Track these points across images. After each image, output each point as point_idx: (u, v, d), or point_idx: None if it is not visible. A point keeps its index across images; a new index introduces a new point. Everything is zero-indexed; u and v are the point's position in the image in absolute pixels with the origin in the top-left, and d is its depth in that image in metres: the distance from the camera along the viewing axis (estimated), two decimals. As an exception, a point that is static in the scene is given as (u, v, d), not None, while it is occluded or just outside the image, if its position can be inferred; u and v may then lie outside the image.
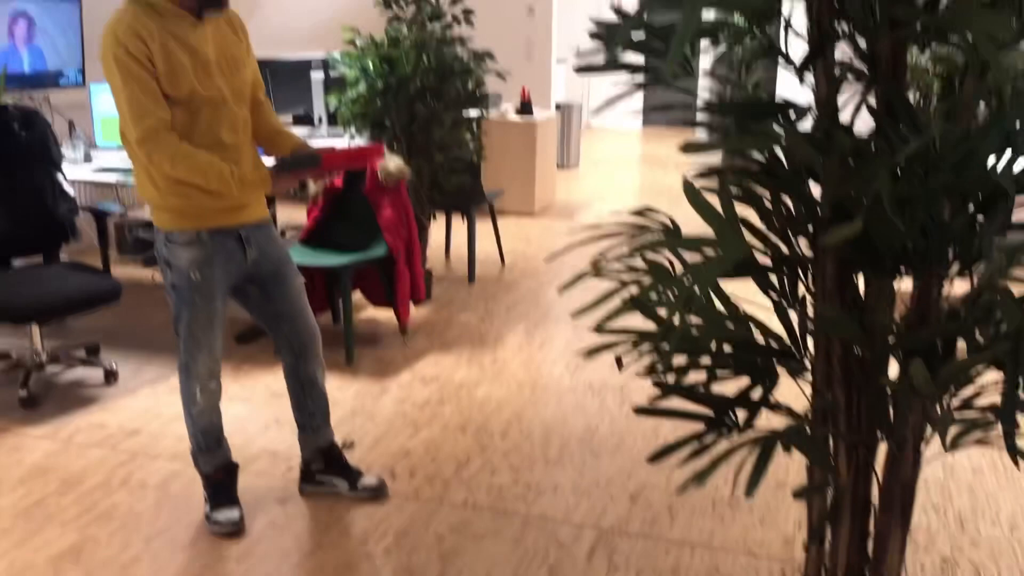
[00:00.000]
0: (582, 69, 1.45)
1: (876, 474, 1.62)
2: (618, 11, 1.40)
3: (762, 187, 1.60)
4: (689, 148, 1.46)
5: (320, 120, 5.02)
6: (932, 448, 1.62)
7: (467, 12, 4.62)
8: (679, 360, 1.63)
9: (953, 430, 1.42)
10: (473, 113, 4.76)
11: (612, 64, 1.34)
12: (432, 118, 4.52)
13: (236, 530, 2.66)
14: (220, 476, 2.71)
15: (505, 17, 8.56)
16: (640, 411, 1.63)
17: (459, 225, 6.16)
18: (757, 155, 1.61)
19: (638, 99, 12.43)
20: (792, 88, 7.63)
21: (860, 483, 1.61)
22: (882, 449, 1.58)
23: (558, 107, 8.78)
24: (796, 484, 2.91)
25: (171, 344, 4.20)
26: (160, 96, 2.31)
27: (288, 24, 6.98)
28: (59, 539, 2.64)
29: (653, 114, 12.41)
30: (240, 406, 3.52)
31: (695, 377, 1.66)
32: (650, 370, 1.64)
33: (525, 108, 6.86)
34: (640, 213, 1.80)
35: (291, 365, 2.77)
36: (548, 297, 4.94)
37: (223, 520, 2.66)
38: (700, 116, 1.55)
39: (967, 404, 1.49)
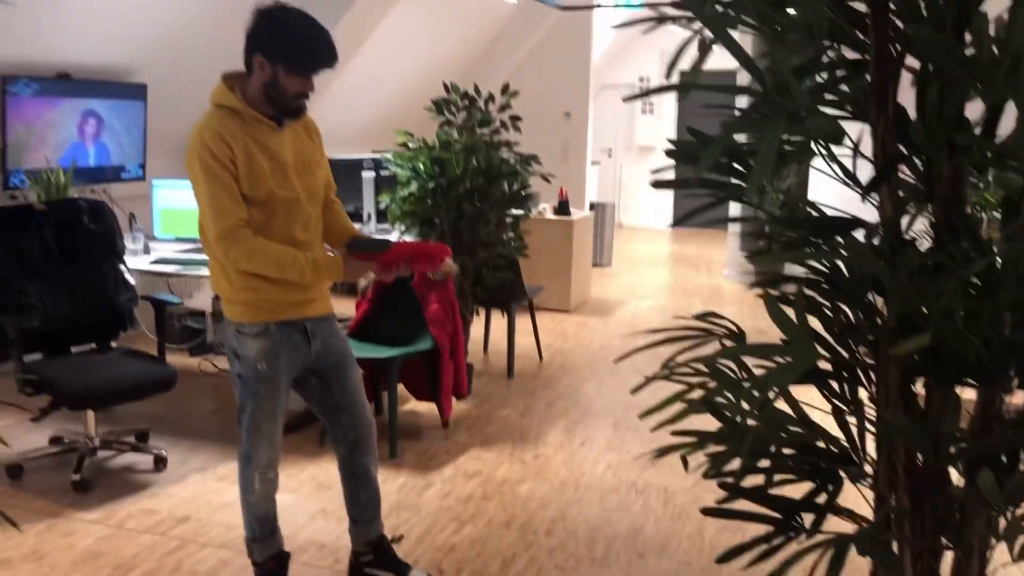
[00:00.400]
0: (660, 185, 1.55)
1: (942, 582, 1.64)
2: (695, 132, 1.51)
3: (824, 297, 1.68)
4: (760, 258, 1.55)
5: (369, 216, 5.19)
6: (998, 557, 1.63)
7: (515, 119, 4.82)
8: (741, 462, 1.68)
9: (1021, 539, 1.45)
10: (517, 212, 4.90)
11: (694, 182, 1.44)
12: (479, 217, 4.67)
13: (286, 621, 2.68)
14: (272, 565, 2.74)
15: (543, 121, 8.86)
16: (708, 512, 1.67)
17: (497, 320, 6.26)
18: (819, 266, 1.69)
19: (668, 200, 12.66)
20: (820, 193, 7.76)
21: (926, 590, 1.63)
22: (948, 557, 1.60)
23: (592, 207, 8.97)
24: (846, 591, 2.89)
25: (217, 433, 4.27)
26: (239, 197, 2.45)
27: (341, 125, 7.27)
28: (112, 625, 2.66)
29: (681, 215, 12.62)
30: (287, 496, 3.56)
31: (753, 480, 1.70)
32: (716, 472, 1.69)
33: (563, 208, 7.03)
34: (702, 318, 1.88)
35: (345, 456, 2.83)
36: (587, 393, 4.98)
37: None
38: (768, 229, 1.64)
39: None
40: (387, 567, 2.89)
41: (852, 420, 1.73)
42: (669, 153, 1.53)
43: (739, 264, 8.59)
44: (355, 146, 7.35)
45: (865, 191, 1.48)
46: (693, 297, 7.75)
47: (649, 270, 9.22)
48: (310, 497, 3.57)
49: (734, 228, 8.68)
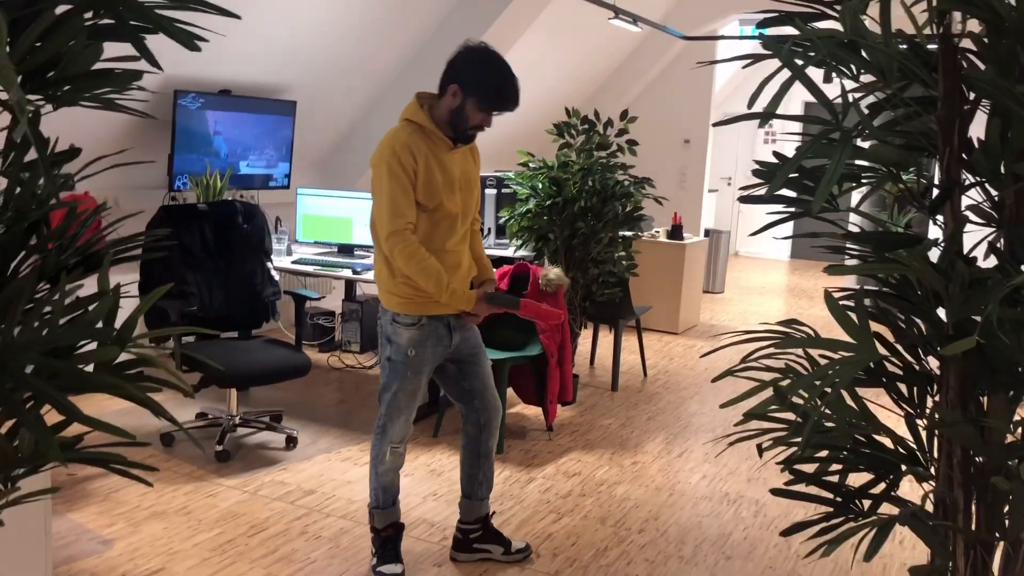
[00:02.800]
0: (745, 200, 1.79)
1: (992, 573, 1.79)
2: (778, 155, 1.74)
3: (896, 308, 1.87)
4: (832, 270, 1.76)
5: (489, 231, 5.53)
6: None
7: (631, 143, 5.08)
8: (802, 447, 1.88)
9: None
10: (628, 233, 5.14)
11: (771, 198, 1.67)
12: (591, 235, 4.93)
13: (398, 583, 3.00)
14: (390, 532, 3.06)
15: (663, 147, 9.07)
16: (776, 492, 1.88)
17: (605, 337, 6.49)
18: (892, 280, 1.88)
19: (788, 229, 12.59)
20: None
21: (977, 579, 1.78)
22: (999, 551, 1.76)
23: (707, 233, 9.10)
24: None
25: (342, 420, 4.67)
26: (414, 203, 2.82)
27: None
28: (248, 574, 3.03)
29: (801, 246, 12.52)
30: (403, 479, 3.90)
31: (819, 470, 1.90)
32: (787, 461, 1.89)
33: (675, 232, 7.21)
34: (785, 323, 2.09)
35: (473, 437, 3.15)
36: (689, 410, 5.16)
37: (388, 573, 3.00)
38: (846, 245, 1.84)
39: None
40: (493, 540, 3.18)
41: (921, 423, 1.91)
42: (756, 172, 1.77)
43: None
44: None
45: (931, 211, 1.67)
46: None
47: (761, 298, 9.26)
48: (423, 481, 3.89)
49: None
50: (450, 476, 3.96)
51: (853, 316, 1.65)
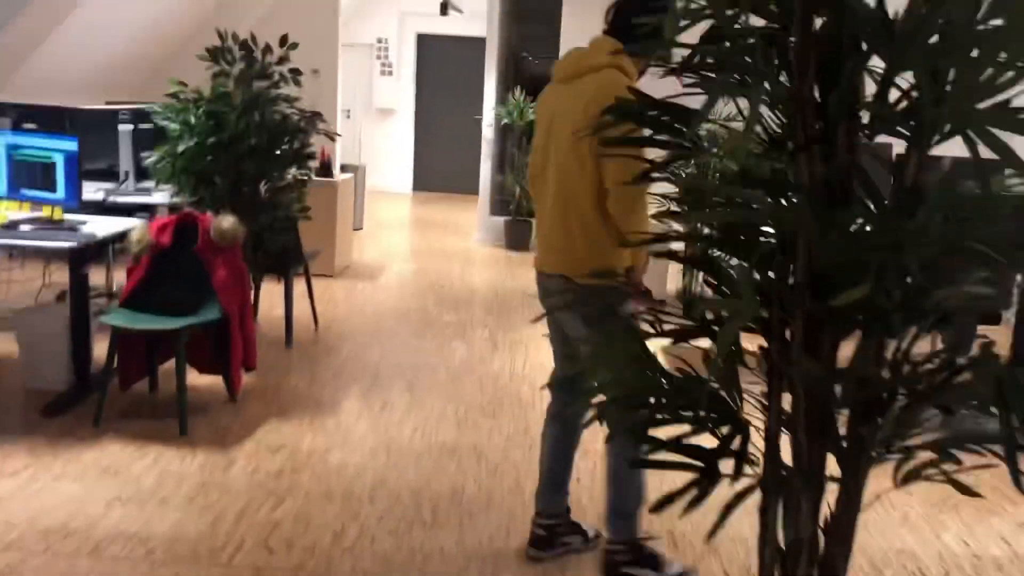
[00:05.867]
0: (608, 142, 1.56)
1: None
2: (633, 90, 1.53)
3: (728, 253, 1.78)
4: (686, 216, 1.61)
5: (127, 175, 4.69)
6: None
7: (295, 71, 4.58)
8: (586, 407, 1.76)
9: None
10: (299, 173, 4.68)
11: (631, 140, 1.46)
12: (260, 176, 4.39)
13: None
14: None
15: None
16: (635, 464, 1.72)
17: (268, 287, 5.95)
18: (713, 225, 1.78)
19: (409, 163, 12.67)
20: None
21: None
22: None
23: (343, 168, 8.76)
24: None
25: None
26: None
27: (75, 69, 6.47)
28: None
29: (424, 178, 12.68)
30: (72, 485, 3.17)
31: (669, 432, 1.78)
32: (630, 430, 1.74)
33: (325, 170, 6.80)
34: (598, 275, 1.92)
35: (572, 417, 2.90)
36: (373, 359, 4.90)
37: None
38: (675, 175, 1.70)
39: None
40: (575, 531, 2.99)
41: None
42: (615, 112, 1.54)
43: (490, 228, 8.82)
44: (97, 93, 6.60)
45: (797, 150, 1.58)
46: (451, 261, 7.85)
47: (401, 233, 9.20)
48: (98, 484, 3.21)
49: (484, 194, 8.88)
50: (129, 473, 3.32)
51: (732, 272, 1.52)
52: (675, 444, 1.72)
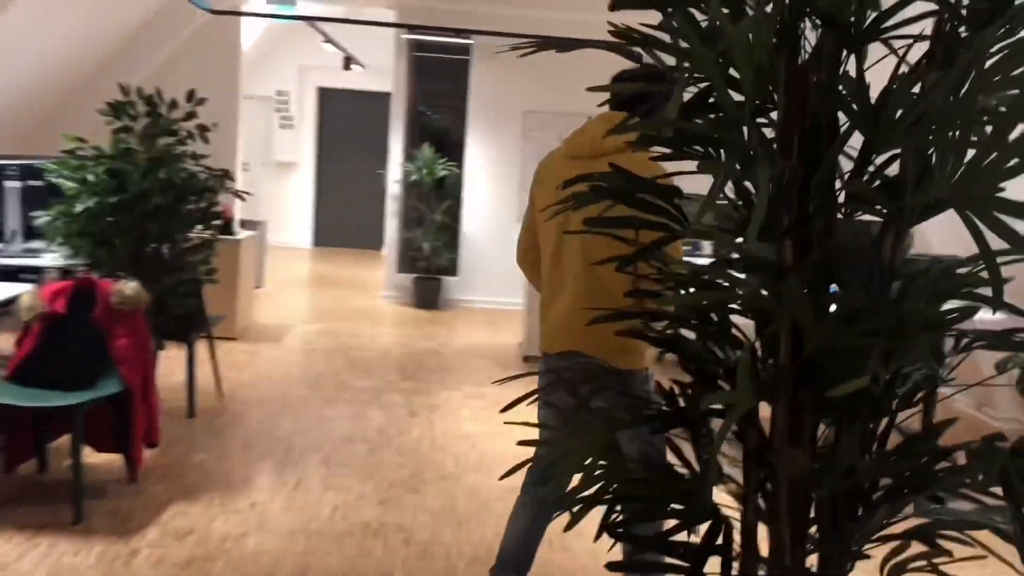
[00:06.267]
0: (594, 223, 1.45)
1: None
2: (615, 165, 1.43)
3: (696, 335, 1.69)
4: (661, 300, 1.51)
5: (14, 234, 4.34)
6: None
7: (203, 128, 4.35)
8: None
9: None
10: (206, 234, 4.43)
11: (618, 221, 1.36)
12: (164, 237, 4.13)
13: None
14: None
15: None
16: (614, 567, 1.59)
17: (169, 352, 5.58)
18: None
19: (309, 217, 12.40)
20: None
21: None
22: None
23: (244, 224, 8.44)
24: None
25: None
26: None
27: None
28: None
29: (324, 234, 12.39)
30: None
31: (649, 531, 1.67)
32: (609, 526, 1.62)
33: (226, 228, 6.50)
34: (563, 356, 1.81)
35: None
36: (285, 429, 4.63)
37: None
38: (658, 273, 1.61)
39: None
40: None
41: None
42: (597, 190, 1.44)
43: (397, 286, 8.63)
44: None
45: (782, 235, 1.51)
46: (358, 320, 7.61)
47: (304, 291, 8.91)
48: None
49: (391, 251, 8.71)
50: (17, 569, 2.97)
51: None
52: (659, 542, 1.61)
